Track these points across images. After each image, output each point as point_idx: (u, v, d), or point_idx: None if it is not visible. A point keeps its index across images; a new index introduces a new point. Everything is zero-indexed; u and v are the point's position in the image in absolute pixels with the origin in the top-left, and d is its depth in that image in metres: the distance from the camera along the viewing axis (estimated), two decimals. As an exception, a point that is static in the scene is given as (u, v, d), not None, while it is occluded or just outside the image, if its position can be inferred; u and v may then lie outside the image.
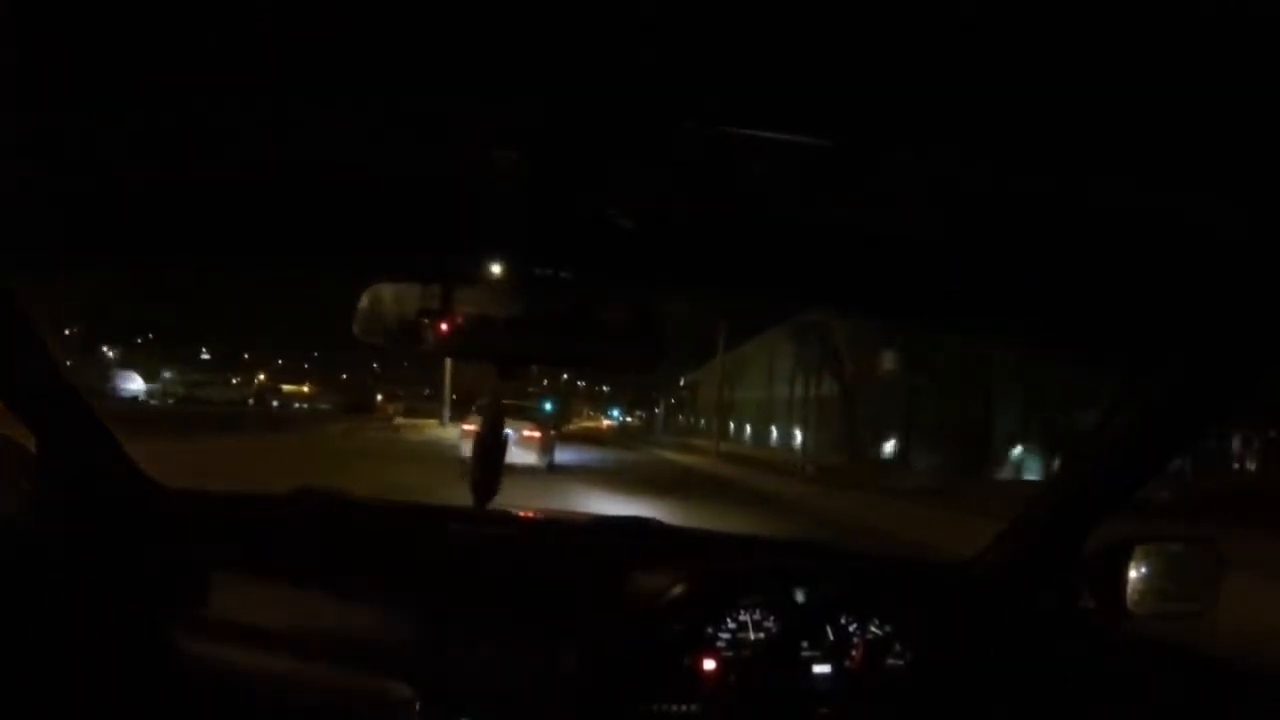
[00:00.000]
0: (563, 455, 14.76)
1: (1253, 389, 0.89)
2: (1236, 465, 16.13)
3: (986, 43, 0.55)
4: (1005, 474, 19.70)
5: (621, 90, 0.64)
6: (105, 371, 26.55)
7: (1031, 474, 19.29)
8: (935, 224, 0.78)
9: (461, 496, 1.48)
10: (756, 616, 1.23)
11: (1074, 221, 0.72)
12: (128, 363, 30.28)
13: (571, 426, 51.09)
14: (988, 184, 0.71)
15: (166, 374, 31.63)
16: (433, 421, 26.41)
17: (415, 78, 0.64)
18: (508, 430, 1.40)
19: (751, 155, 0.70)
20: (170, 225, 1.07)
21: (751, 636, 1.22)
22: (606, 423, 66.93)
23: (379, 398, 41.13)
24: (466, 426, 12.03)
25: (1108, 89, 0.58)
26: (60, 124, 0.74)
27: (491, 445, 1.43)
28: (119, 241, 1.14)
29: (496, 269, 1.11)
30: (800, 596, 1.25)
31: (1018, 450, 20.51)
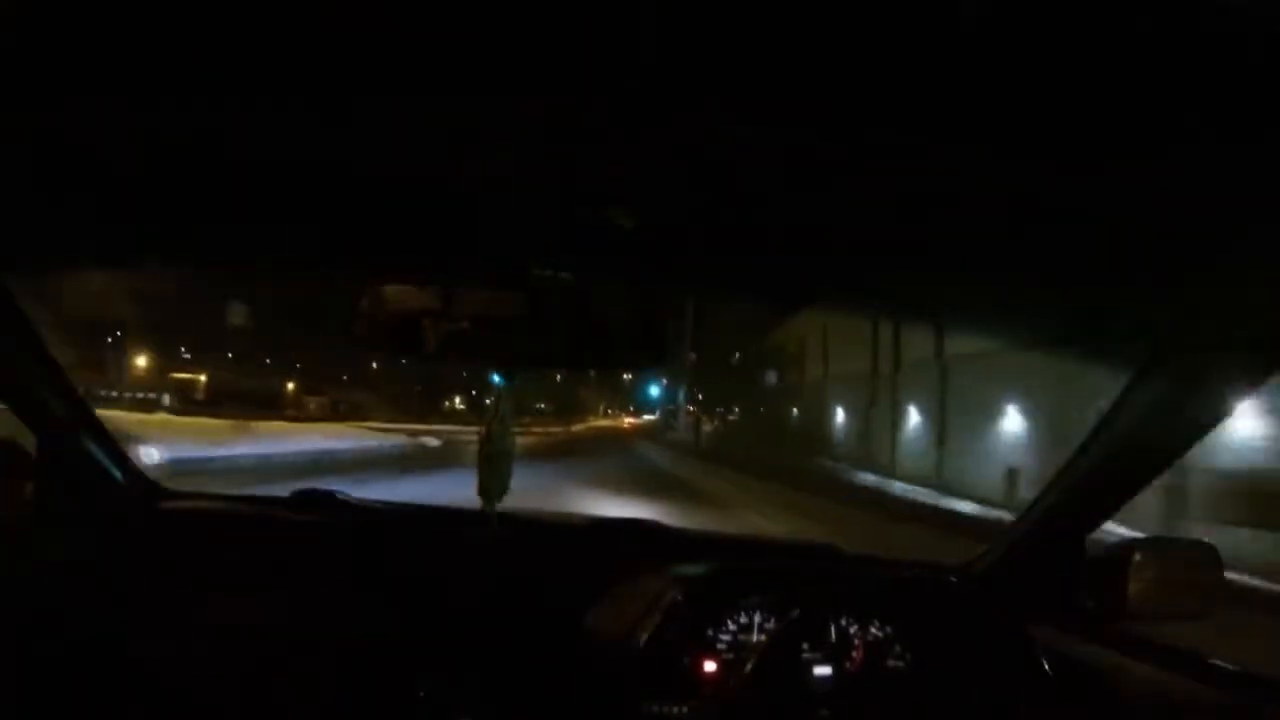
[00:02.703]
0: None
1: (1255, 386, 0.89)
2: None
3: (991, 37, 0.55)
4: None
5: (622, 88, 0.64)
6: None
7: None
8: (941, 221, 0.78)
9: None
10: (756, 618, 1.23)
11: (1079, 219, 0.72)
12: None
13: (577, 427, 39.41)
14: (996, 181, 0.70)
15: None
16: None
17: (415, 78, 0.63)
18: None
19: (753, 153, 0.70)
20: (167, 227, 1.07)
21: (752, 638, 1.22)
22: (629, 420, 53.38)
23: (288, 387, 33.83)
24: None
25: (1114, 87, 0.58)
26: (57, 124, 0.74)
27: (497, 447, 1.44)
28: (112, 241, 1.14)
29: (496, 269, 1.11)
30: (800, 598, 1.25)
31: None
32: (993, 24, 0.53)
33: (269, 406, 26.43)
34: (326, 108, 0.68)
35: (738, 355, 30.18)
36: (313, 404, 33.04)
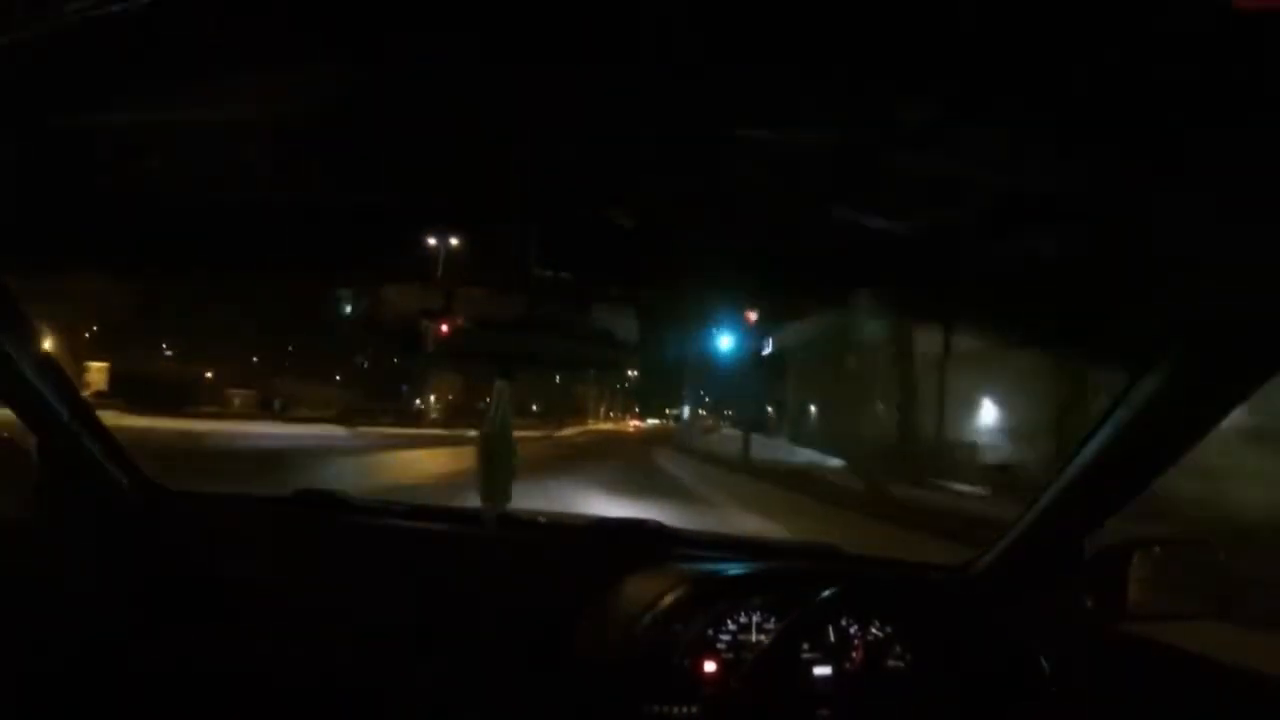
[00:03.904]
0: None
1: (1257, 383, 0.88)
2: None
3: (992, 42, 0.55)
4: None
5: (625, 91, 0.64)
6: None
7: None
8: (941, 222, 0.78)
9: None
10: (757, 618, 1.23)
11: (1079, 217, 0.72)
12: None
13: (569, 431, 31.37)
14: (993, 183, 0.71)
15: None
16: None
17: (415, 75, 0.64)
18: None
19: (754, 156, 0.70)
20: (169, 230, 1.07)
21: (752, 638, 1.22)
22: (634, 424, 46.35)
23: (207, 377, 27.30)
24: None
25: (1111, 89, 0.58)
26: (53, 128, 0.74)
27: (499, 448, 1.44)
28: (111, 243, 1.14)
29: (497, 270, 1.11)
30: (800, 598, 1.25)
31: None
32: (996, 27, 0.53)
33: (181, 401, 22.40)
34: (327, 105, 0.69)
35: (769, 341, 19.23)
36: (237, 399, 28.23)
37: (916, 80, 0.60)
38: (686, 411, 30.26)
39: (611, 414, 49.99)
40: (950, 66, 0.58)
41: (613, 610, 1.26)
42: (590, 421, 43.93)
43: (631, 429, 42.87)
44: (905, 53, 0.57)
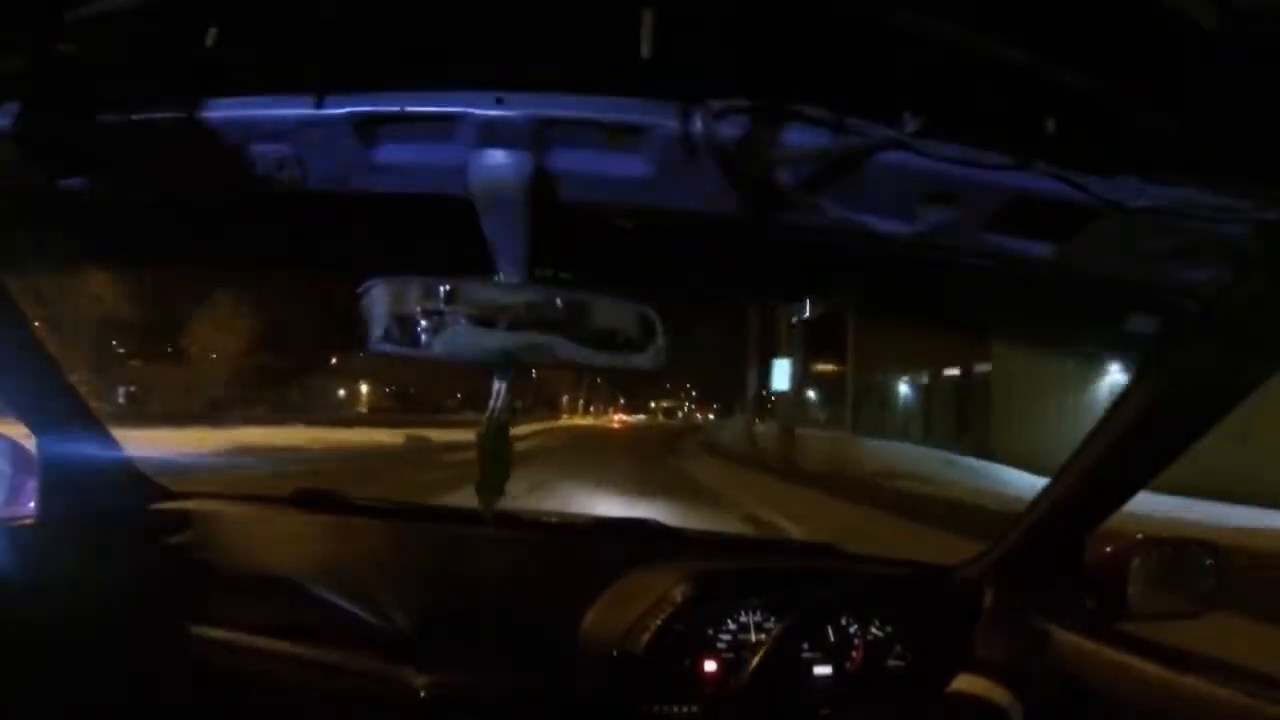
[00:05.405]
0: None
1: (1258, 382, 0.88)
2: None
3: (983, 41, 0.55)
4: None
5: (621, 84, 0.64)
6: None
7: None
8: (939, 220, 0.78)
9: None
10: (757, 618, 1.23)
11: (1078, 213, 0.72)
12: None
13: (527, 429, 23.29)
14: (998, 175, 0.71)
15: None
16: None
17: (414, 73, 0.64)
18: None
19: (751, 151, 0.70)
20: (164, 227, 1.07)
21: (752, 638, 1.22)
22: (620, 418, 38.08)
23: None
24: None
25: (1106, 82, 0.58)
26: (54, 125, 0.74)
27: (496, 444, 1.45)
28: (110, 241, 1.14)
29: (496, 269, 1.11)
30: (800, 598, 1.25)
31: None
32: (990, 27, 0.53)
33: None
34: (324, 103, 0.69)
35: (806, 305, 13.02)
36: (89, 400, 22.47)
37: (908, 84, 0.61)
38: (786, 377, 17.80)
39: (591, 407, 44.59)
40: (941, 69, 0.58)
41: (613, 610, 1.26)
42: (564, 416, 37.36)
43: (617, 424, 36.74)
44: (897, 56, 0.57)
